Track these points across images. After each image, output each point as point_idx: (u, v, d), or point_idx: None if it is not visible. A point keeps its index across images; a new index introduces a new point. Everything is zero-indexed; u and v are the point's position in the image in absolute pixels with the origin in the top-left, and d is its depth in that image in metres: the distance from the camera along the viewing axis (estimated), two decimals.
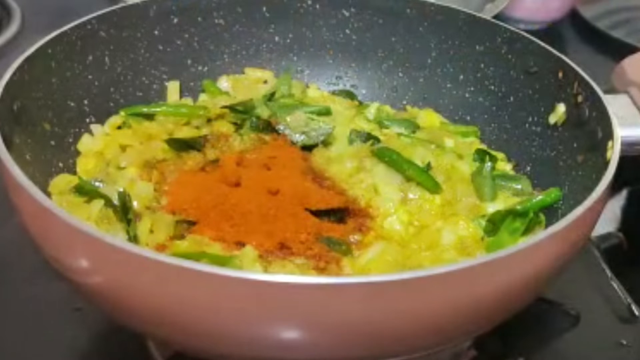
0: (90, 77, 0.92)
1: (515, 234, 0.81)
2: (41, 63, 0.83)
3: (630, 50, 1.08)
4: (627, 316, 0.93)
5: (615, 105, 0.82)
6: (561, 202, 0.84)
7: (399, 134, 0.99)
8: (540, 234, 0.63)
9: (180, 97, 1.02)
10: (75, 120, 0.90)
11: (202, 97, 1.03)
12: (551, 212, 0.84)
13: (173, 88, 1.02)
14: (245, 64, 1.07)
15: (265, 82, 1.07)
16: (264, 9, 1.06)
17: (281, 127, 0.94)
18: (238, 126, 0.95)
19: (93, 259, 0.61)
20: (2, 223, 0.91)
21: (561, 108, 0.90)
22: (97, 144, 0.90)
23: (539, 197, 0.84)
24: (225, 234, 0.76)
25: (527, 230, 0.82)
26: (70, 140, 0.89)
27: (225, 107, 0.96)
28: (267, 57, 1.08)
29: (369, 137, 0.95)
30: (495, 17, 1.37)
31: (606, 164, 0.73)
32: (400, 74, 1.08)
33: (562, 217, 0.66)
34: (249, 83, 1.05)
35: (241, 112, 0.96)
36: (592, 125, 0.82)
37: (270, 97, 1.00)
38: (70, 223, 0.59)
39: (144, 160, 0.87)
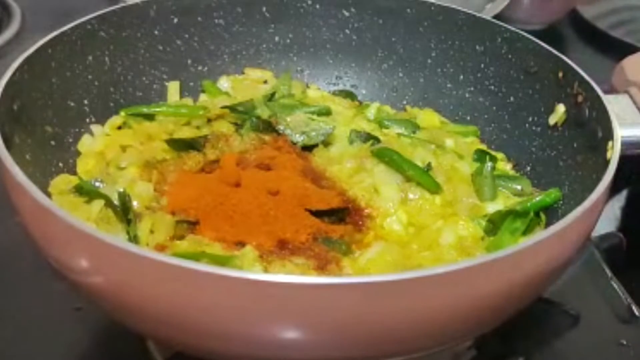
0: (90, 77, 0.92)
1: (515, 234, 0.81)
2: (41, 63, 0.83)
3: (630, 50, 1.09)
4: (627, 316, 0.92)
5: (615, 105, 0.82)
6: (561, 202, 0.84)
7: (399, 134, 0.99)
8: (540, 234, 0.63)
9: (180, 97, 1.02)
10: (75, 120, 0.90)
11: (202, 97, 1.03)
12: (551, 212, 0.84)
13: (173, 88, 1.02)
14: (245, 64, 1.07)
15: (265, 82, 1.07)
16: (264, 9, 1.06)
17: (281, 127, 0.94)
18: (238, 126, 0.95)
19: (93, 259, 0.61)
20: (2, 223, 0.91)
21: (561, 108, 0.90)
22: (97, 144, 0.90)
23: (539, 197, 0.84)
24: (225, 234, 0.76)
25: (527, 230, 0.82)
26: (70, 140, 0.89)
27: (225, 107, 0.96)
28: (267, 57, 1.08)
29: (369, 137, 0.95)
30: (495, 17, 1.37)
31: (606, 164, 0.73)
32: (400, 74, 1.08)
33: (562, 217, 0.66)
34: (249, 83, 1.05)
35: (241, 112, 0.96)
36: (592, 125, 0.82)
37: (270, 97, 1.00)
38: (70, 223, 0.59)
39: (144, 160, 0.87)
